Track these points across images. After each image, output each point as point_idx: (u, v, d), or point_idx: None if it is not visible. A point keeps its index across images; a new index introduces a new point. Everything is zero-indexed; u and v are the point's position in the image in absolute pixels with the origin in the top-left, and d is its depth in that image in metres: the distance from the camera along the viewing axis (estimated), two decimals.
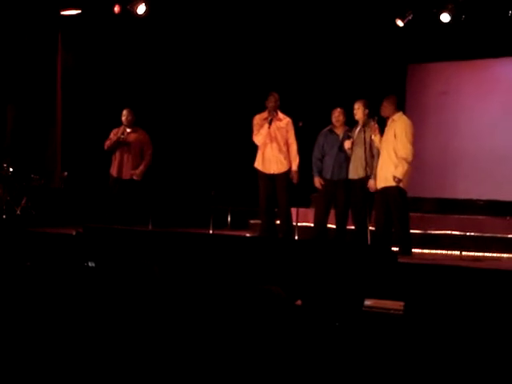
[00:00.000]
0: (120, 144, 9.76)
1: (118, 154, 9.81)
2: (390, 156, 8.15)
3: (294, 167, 8.87)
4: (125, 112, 9.80)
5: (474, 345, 3.64)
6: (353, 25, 10.57)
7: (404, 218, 8.22)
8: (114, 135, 9.79)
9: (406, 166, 8.10)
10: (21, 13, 10.59)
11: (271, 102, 8.92)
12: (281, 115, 8.98)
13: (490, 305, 5.87)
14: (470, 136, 10.84)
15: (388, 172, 8.14)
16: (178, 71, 11.44)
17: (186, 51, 11.38)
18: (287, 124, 8.93)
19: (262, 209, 9.10)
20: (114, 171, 9.83)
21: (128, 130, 9.81)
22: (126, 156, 9.79)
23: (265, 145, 8.97)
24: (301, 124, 8.85)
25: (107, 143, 9.78)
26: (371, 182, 8.37)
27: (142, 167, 9.84)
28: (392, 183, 8.11)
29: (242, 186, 10.78)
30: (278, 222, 9.21)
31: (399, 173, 8.07)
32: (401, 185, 8.11)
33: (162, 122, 11.23)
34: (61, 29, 11.05)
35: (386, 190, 8.18)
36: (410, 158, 8.11)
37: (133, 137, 9.83)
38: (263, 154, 9.00)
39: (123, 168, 9.81)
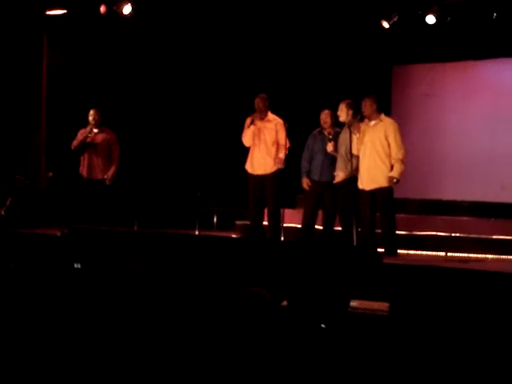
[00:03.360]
0: (87, 144, 9.74)
1: (86, 155, 9.79)
2: (380, 157, 8.14)
3: (281, 155, 8.83)
4: (92, 112, 9.76)
5: (459, 345, 3.65)
6: (339, 26, 10.60)
7: (393, 219, 8.25)
8: (80, 135, 9.76)
9: (403, 167, 8.12)
10: (5, 13, 10.52)
11: (255, 103, 8.93)
12: (270, 116, 8.96)
13: (475, 306, 5.90)
14: (455, 137, 10.88)
15: (381, 173, 8.13)
16: (164, 71, 11.41)
17: (171, 51, 11.35)
18: (276, 125, 8.89)
19: (250, 210, 9.11)
20: (84, 172, 9.82)
21: (95, 131, 9.77)
22: (95, 157, 9.78)
23: (253, 146, 8.99)
24: None
25: (74, 143, 9.76)
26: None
27: (112, 171, 9.80)
28: (384, 184, 8.12)
29: (228, 186, 10.79)
30: (267, 223, 9.18)
31: (397, 173, 8.09)
32: (392, 185, 8.15)
33: (149, 122, 11.20)
34: (46, 29, 10.99)
35: (377, 191, 8.17)
36: (404, 158, 8.15)
37: (101, 137, 9.80)
38: (252, 155, 9.02)
39: (93, 169, 9.79)
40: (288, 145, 8.89)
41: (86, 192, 9.81)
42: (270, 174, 8.89)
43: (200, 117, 11.51)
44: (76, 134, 9.89)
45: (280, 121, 8.93)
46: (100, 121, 9.81)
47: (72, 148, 9.78)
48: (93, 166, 9.79)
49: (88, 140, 9.72)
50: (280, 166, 8.83)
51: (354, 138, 8.29)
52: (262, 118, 8.94)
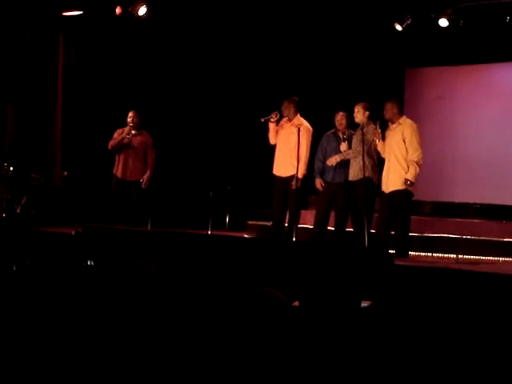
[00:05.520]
0: (124, 145, 9.69)
1: (122, 156, 9.72)
2: (398, 160, 8.16)
3: (300, 174, 8.72)
4: (131, 114, 9.69)
5: (470, 347, 3.66)
6: (352, 29, 10.60)
7: (407, 221, 8.26)
8: (118, 135, 9.69)
9: (417, 169, 8.13)
10: (22, 13, 10.59)
11: (282, 106, 8.95)
12: (297, 120, 8.91)
13: (486, 308, 5.89)
14: (467, 140, 10.86)
15: (398, 176, 8.15)
16: (178, 73, 11.45)
17: (187, 53, 11.39)
18: (302, 130, 8.76)
19: (273, 211, 9.12)
20: (118, 172, 9.74)
21: (133, 132, 9.71)
22: (131, 158, 9.71)
23: (278, 148, 9.00)
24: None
25: (111, 143, 9.69)
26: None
27: (147, 174, 9.77)
28: (402, 187, 8.14)
29: (240, 186, 10.81)
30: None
31: (411, 176, 8.09)
32: (409, 188, 8.15)
33: (161, 122, 11.23)
34: (62, 30, 11.04)
35: (394, 193, 8.19)
36: (421, 161, 8.15)
37: (138, 139, 9.75)
38: (276, 157, 9.04)
39: (128, 170, 9.72)
40: (305, 153, 8.80)
41: (119, 192, 9.76)
42: (291, 176, 8.80)
43: (213, 117, 11.54)
44: (94, 133, 9.93)
45: (305, 125, 8.86)
46: (139, 123, 9.75)
47: (109, 148, 9.71)
48: (128, 167, 9.72)
49: (125, 141, 9.67)
50: (294, 186, 8.74)
51: (378, 143, 8.33)
52: (290, 120, 8.94)
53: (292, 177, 8.79)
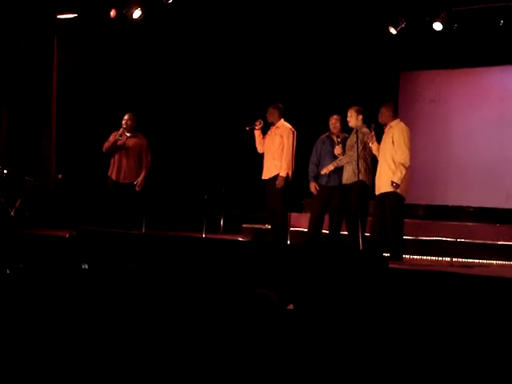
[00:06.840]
0: (118, 147, 9.68)
1: (116, 158, 9.70)
2: (387, 163, 8.16)
3: (282, 172, 8.80)
4: (126, 116, 9.68)
5: (463, 350, 3.66)
6: (347, 33, 10.61)
7: (398, 224, 8.24)
8: (113, 137, 9.68)
9: (404, 171, 8.11)
10: (17, 16, 10.57)
11: (267, 113, 9.01)
12: (280, 123, 8.96)
13: (480, 311, 5.90)
14: (461, 143, 10.87)
15: (387, 178, 8.15)
16: (173, 76, 11.44)
17: (182, 56, 11.39)
18: (283, 131, 8.87)
19: (267, 215, 9.17)
20: (112, 175, 9.73)
21: (128, 135, 9.69)
22: (125, 161, 9.70)
23: (265, 153, 9.04)
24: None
25: (105, 145, 9.69)
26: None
27: (142, 176, 9.76)
28: (390, 189, 8.14)
29: (235, 189, 10.80)
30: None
31: (397, 178, 8.08)
32: (398, 190, 8.13)
33: (156, 124, 11.22)
34: (57, 32, 11.02)
35: (384, 195, 8.20)
36: (408, 163, 8.13)
37: (133, 142, 9.73)
38: (264, 162, 9.07)
39: (122, 172, 9.71)
40: (289, 153, 8.77)
41: (113, 195, 9.73)
42: (273, 177, 8.87)
43: (208, 120, 11.53)
44: (89, 136, 9.90)
45: (287, 127, 8.89)
46: (133, 126, 9.73)
47: (103, 150, 9.69)
48: (122, 169, 9.70)
49: (119, 143, 9.64)
50: (278, 184, 8.80)
51: (372, 146, 8.35)
52: (274, 125, 8.99)
53: (275, 177, 8.85)
